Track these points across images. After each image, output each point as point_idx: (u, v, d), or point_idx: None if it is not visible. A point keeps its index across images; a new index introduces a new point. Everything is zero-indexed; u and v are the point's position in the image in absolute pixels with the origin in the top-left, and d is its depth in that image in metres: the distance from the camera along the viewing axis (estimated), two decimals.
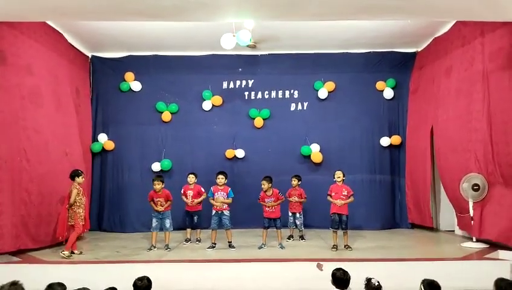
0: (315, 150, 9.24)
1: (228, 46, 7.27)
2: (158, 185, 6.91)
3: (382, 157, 9.34)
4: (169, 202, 7.04)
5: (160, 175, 7.42)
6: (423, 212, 8.50)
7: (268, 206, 7.01)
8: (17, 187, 6.24)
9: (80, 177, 6.64)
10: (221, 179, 7.08)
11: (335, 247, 6.74)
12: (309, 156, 9.26)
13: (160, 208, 6.91)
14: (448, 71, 7.77)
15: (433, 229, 8.55)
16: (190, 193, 7.49)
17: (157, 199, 6.96)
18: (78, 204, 6.51)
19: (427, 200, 8.32)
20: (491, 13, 5.80)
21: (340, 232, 6.85)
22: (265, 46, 9.10)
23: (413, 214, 8.94)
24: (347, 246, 6.77)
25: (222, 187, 7.07)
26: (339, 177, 6.93)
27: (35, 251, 6.55)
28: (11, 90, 6.23)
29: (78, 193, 6.50)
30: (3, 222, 5.90)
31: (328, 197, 6.93)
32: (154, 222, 6.94)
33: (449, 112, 7.59)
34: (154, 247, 6.86)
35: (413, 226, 8.91)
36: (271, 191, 7.05)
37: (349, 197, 6.85)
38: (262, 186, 7.04)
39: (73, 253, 6.40)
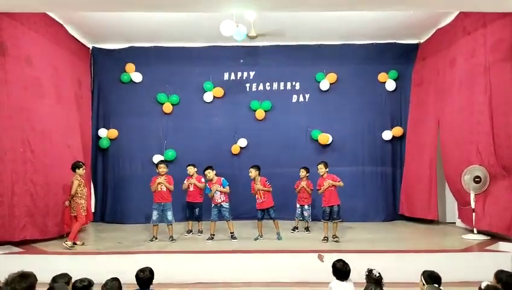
0: (324, 134, 9.20)
1: (228, 32, 7.14)
2: (164, 169, 7.03)
3: (384, 149, 9.33)
4: (171, 187, 7.08)
5: (163, 160, 7.36)
6: (421, 204, 8.48)
7: (257, 190, 6.98)
8: (21, 178, 6.25)
9: (81, 168, 6.67)
10: (208, 175, 7.11)
11: (326, 239, 6.75)
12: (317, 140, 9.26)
13: (161, 179, 6.92)
14: (452, 63, 7.72)
15: (434, 221, 8.56)
16: (192, 180, 7.55)
17: (159, 181, 6.94)
18: (79, 195, 6.55)
19: (432, 193, 8.22)
20: (493, 4, 5.75)
21: (331, 223, 6.86)
22: (267, 37, 9.02)
23: (406, 206, 8.91)
24: (334, 236, 6.74)
25: (215, 180, 7.08)
26: (321, 169, 6.92)
27: (44, 241, 6.59)
28: (13, 82, 6.21)
29: (79, 184, 6.54)
30: (4, 212, 5.93)
31: (319, 192, 6.96)
32: (155, 215, 6.93)
33: (453, 105, 7.56)
34: (156, 238, 6.89)
35: (413, 218, 8.90)
36: (259, 179, 7.06)
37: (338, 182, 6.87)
38: (250, 174, 7.06)
39: (76, 244, 6.44)
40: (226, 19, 6.95)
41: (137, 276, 3.78)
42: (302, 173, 7.70)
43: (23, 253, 5.99)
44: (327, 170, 6.97)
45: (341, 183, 6.89)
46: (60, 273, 3.76)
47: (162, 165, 7.10)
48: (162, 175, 7.03)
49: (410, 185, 8.92)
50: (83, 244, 6.59)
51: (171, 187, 7.07)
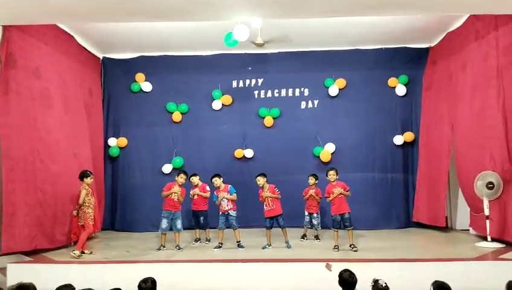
0: (326, 149, 9.12)
1: (242, 37, 7.00)
2: (183, 180, 7.07)
3: (395, 155, 9.16)
4: (182, 199, 7.07)
5: (185, 171, 7.43)
6: (436, 211, 8.30)
7: (265, 197, 6.93)
8: (32, 188, 6.34)
9: (89, 177, 6.71)
10: (215, 182, 7.11)
11: (336, 247, 6.64)
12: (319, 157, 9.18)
13: (176, 189, 6.92)
14: (463, 67, 7.57)
15: (448, 228, 8.36)
16: (196, 190, 7.59)
17: (174, 190, 6.95)
18: (87, 204, 6.58)
19: (442, 199, 8.05)
20: (503, 6, 5.64)
21: (343, 232, 6.76)
22: (275, 44, 9.02)
23: (421, 212, 8.70)
24: (352, 246, 6.60)
25: (222, 188, 7.07)
26: (332, 175, 6.80)
27: (52, 250, 6.64)
28: (22, 93, 6.33)
29: (87, 194, 6.59)
30: (16, 222, 6.01)
31: (328, 199, 6.84)
32: (165, 223, 6.91)
33: (466, 109, 7.40)
34: (164, 246, 6.88)
35: (427, 225, 8.69)
36: (267, 186, 7.01)
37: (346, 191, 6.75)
38: (258, 182, 7.01)
39: (84, 253, 6.47)
40: (238, 25, 6.92)
41: (139, 287, 3.76)
42: (311, 180, 7.61)
43: (32, 262, 6.04)
44: (338, 177, 6.89)
45: (349, 194, 6.78)
46: (64, 283, 3.75)
47: (183, 176, 7.10)
48: (180, 185, 7.04)
49: (424, 191, 8.73)
50: (91, 253, 6.62)
51: (182, 199, 7.09)
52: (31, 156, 6.40)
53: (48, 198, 6.60)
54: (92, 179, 6.80)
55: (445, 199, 8.02)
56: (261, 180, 7.00)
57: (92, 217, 6.65)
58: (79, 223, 6.63)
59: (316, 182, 7.64)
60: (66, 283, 3.74)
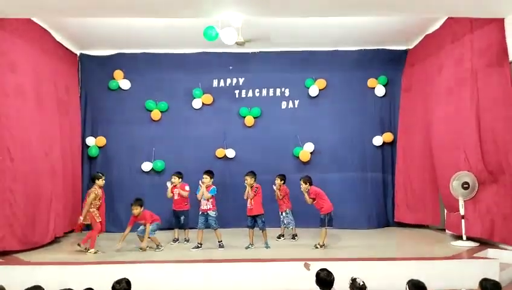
0: (305, 149, 9.16)
1: (229, 40, 7.04)
2: (136, 210, 6.74)
3: (374, 155, 9.26)
4: (154, 222, 6.88)
5: (138, 198, 6.97)
6: (418, 210, 8.39)
7: (247, 197, 6.91)
8: (1, 187, 6.12)
9: (101, 179, 6.70)
10: (204, 179, 6.96)
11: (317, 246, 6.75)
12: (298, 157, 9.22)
13: (119, 245, 6.69)
14: (440, 69, 7.71)
15: (426, 227, 8.49)
16: (176, 191, 7.50)
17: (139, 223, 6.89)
18: (92, 206, 6.60)
19: (432, 199, 8.11)
20: (479, 9, 5.76)
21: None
22: (256, 44, 9.01)
23: (401, 212, 8.84)
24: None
25: (205, 185, 6.95)
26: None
27: (25, 251, 6.44)
28: None
29: (95, 198, 6.60)
30: None
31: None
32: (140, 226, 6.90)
33: (442, 110, 7.53)
34: (141, 249, 6.76)
35: (405, 224, 8.81)
36: (254, 186, 6.99)
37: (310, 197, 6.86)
38: (246, 182, 6.96)
39: (87, 249, 6.50)
40: (226, 27, 6.89)
41: (113, 288, 3.67)
42: (278, 181, 7.60)
43: (2, 264, 5.83)
44: (307, 186, 6.90)
45: (307, 198, 6.88)
46: (33, 285, 3.64)
47: (134, 207, 6.76)
48: (137, 216, 6.81)
49: (404, 191, 8.84)
50: (84, 249, 6.55)
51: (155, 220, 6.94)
52: (1, 154, 6.18)
53: (18, 198, 6.36)
54: (103, 181, 6.77)
55: (438, 198, 7.97)
56: (248, 180, 6.94)
57: (98, 215, 6.66)
58: (84, 223, 6.69)
59: (282, 182, 7.61)
60: (40, 285, 3.64)
